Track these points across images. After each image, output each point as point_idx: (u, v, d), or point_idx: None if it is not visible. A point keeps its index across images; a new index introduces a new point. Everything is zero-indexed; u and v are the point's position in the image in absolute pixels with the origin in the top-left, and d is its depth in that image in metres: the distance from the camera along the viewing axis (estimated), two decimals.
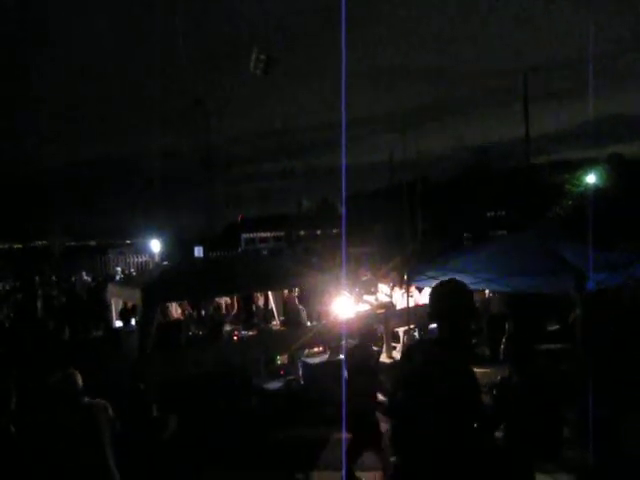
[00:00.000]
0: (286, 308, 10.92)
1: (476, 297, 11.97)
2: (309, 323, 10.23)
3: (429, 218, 32.16)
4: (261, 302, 12.42)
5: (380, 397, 6.15)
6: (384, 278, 13.60)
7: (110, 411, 4.46)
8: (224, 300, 11.93)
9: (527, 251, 8.59)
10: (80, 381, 4.37)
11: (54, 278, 21.65)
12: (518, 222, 25.56)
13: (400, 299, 11.47)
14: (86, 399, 4.40)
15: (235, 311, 11.78)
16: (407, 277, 10.53)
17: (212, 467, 6.93)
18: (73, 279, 20.39)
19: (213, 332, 9.74)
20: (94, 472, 4.23)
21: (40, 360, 8.04)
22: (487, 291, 11.26)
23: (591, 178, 31.06)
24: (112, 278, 19.38)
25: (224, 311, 11.58)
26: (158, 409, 7.34)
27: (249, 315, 11.95)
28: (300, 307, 10.52)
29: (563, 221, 29.83)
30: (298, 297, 11.61)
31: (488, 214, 39.61)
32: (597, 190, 30.22)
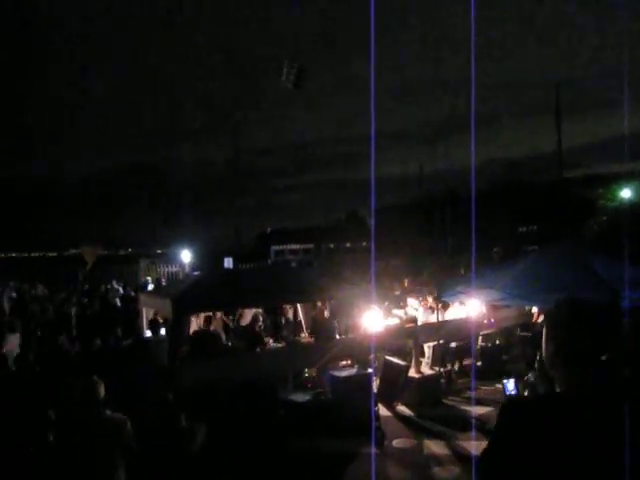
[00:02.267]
0: (316, 321, 10.90)
1: (510, 313, 11.87)
2: (338, 336, 10.21)
3: (458, 232, 31.90)
4: (290, 314, 12.44)
5: None
6: (414, 292, 13.53)
7: (129, 427, 4.36)
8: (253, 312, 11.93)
9: (559, 266, 8.47)
10: (102, 391, 4.31)
11: (86, 286, 21.97)
12: (550, 237, 25.20)
13: (429, 314, 11.38)
14: (107, 412, 4.32)
15: (261, 324, 11.78)
16: (437, 292, 10.47)
17: (238, 478, 6.94)
18: (104, 288, 20.64)
19: (253, 344, 9.79)
20: None
21: (67, 369, 8.14)
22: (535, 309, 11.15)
23: (626, 193, 30.51)
24: (143, 287, 19.61)
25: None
26: (186, 419, 7.38)
27: (277, 327, 11.97)
28: (331, 320, 10.50)
29: (597, 237, 29.32)
30: (327, 310, 11.60)
31: (520, 229, 39.17)
32: (632, 205, 29.64)
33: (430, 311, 11.29)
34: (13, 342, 9.73)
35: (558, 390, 2.00)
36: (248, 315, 11.37)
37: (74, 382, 4.36)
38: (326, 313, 11.09)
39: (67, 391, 4.36)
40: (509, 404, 2.02)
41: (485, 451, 2.00)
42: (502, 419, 1.96)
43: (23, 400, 5.74)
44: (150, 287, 19.76)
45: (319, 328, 10.46)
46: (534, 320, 11.46)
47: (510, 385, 7.98)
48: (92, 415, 4.21)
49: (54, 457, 4.18)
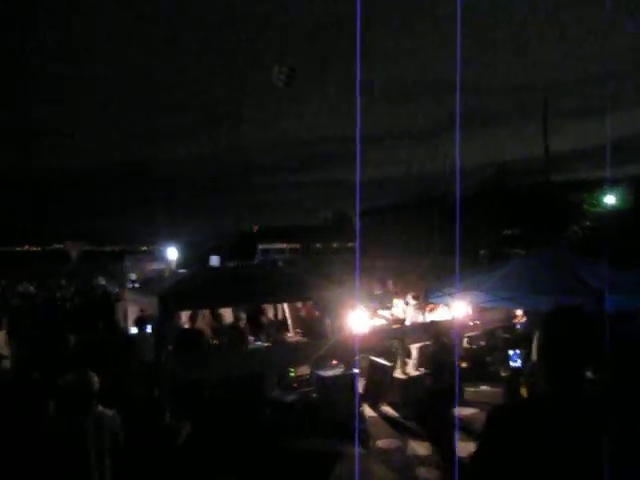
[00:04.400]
0: (307, 320, 10.90)
1: (494, 315, 11.98)
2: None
3: (445, 234, 32.03)
4: (271, 314, 12.39)
5: None
6: (400, 293, 13.58)
7: (118, 422, 4.32)
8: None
9: (544, 270, 8.56)
10: (96, 384, 4.23)
11: (63, 282, 21.84)
12: (535, 240, 25.43)
13: (415, 314, 11.43)
14: (99, 407, 4.27)
15: (245, 322, 11.71)
16: (424, 293, 10.53)
17: (223, 476, 6.94)
18: (90, 284, 20.55)
19: (236, 341, 9.77)
20: None
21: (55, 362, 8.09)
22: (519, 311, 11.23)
23: (610, 199, 30.83)
24: (130, 284, 19.52)
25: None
26: (171, 415, 7.38)
27: (259, 327, 11.91)
28: (322, 319, 10.52)
29: (581, 241, 29.62)
30: (314, 309, 11.61)
31: (505, 232, 39.42)
32: (616, 211, 29.98)
33: (417, 312, 11.34)
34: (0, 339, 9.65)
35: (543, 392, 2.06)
36: (231, 313, 11.33)
37: (68, 375, 4.29)
38: (316, 313, 11.10)
39: (60, 385, 4.30)
40: (495, 411, 2.11)
41: (474, 455, 2.08)
42: (488, 425, 2.06)
43: (19, 396, 5.71)
44: (133, 284, 19.68)
45: (310, 327, 10.47)
46: (516, 320, 11.55)
47: (517, 359, 8.14)
48: (83, 408, 4.17)
49: (49, 451, 4.14)
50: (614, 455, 1.80)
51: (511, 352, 8.24)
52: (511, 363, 8.25)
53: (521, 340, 10.00)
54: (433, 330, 7.80)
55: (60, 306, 15.25)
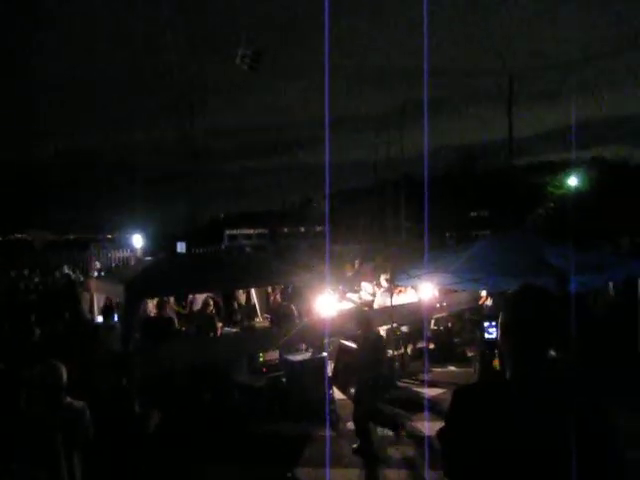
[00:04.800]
0: (274, 305, 10.88)
1: (461, 297, 12.12)
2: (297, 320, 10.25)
3: (412, 217, 32.29)
4: (243, 299, 12.39)
5: None
6: (367, 276, 13.64)
7: (87, 414, 4.27)
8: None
9: (509, 252, 8.69)
10: (64, 375, 4.18)
11: (33, 273, 21.41)
12: (501, 222, 25.81)
13: (383, 298, 11.50)
14: (67, 399, 4.21)
15: (212, 308, 11.68)
16: (391, 276, 10.59)
17: (194, 462, 6.94)
18: (55, 273, 20.18)
19: (205, 328, 9.72)
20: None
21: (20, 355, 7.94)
22: (484, 292, 11.36)
23: (572, 180, 31.42)
24: (95, 272, 19.26)
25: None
26: (140, 404, 7.31)
27: (230, 312, 11.91)
28: (289, 304, 10.52)
29: (545, 222, 30.16)
30: (282, 294, 11.61)
31: (471, 214, 39.93)
32: (578, 192, 30.56)
33: (385, 295, 11.42)
34: None
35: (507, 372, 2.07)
36: (200, 300, 11.28)
37: (35, 367, 4.22)
38: (279, 297, 11.11)
39: (28, 377, 4.22)
40: (459, 391, 2.11)
41: (440, 431, 2.10)
42: (452, 404, 2.07)
43: None
44: (98, 273, 19.44)
45: (277, 312, 10.47)
46: (481, 302, 11.72)
47: (492, 330, 8.23)
48: (53, 401, 4.10)
49: (18, 444, 4.07)
50: (580, 435, 1.81)
51: (486, 323, 8.33)
52: (485, 335, 8.34)
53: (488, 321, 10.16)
54: (364, 320, 7.70)
55: (24, 296, 14.93)
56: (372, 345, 7.41)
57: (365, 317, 7.93)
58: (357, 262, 16.72)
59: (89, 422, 4.27)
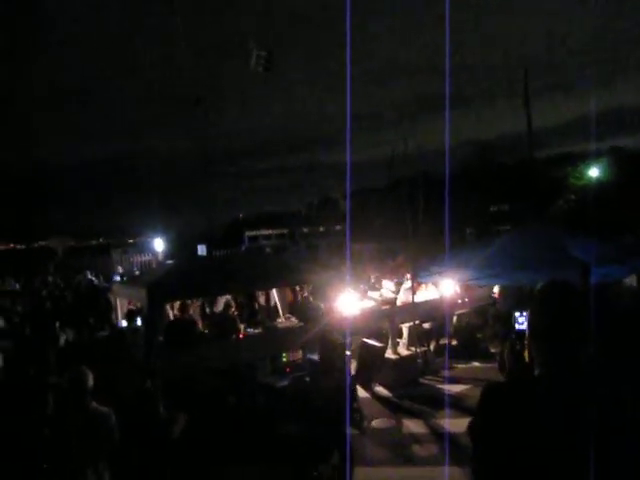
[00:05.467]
0: (300, 304, 10.88)
1: (483, 292, 12.04)
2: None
3: (431, 214, 32.10)
4: (263, 300, 12.42)
5: None
6: (390, 274, 13.63)
7: (113, 420, 4.33)
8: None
9: (531, 245, 8.60)
10: (91, 381, 4.25)
11: (57, 280, 21.66)
12: (521, 216, 25.55)
13: (405, 295, 11.47)
14: (93, 404, 4.28)
15: (235, 309, 11.72)
16: (413, 273, 10.55)
17: (219, 464, 6.96)
18: (77, 279, 20.41)
19: (228, 330, 9.76)
20: None
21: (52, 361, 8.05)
22: (496, 287, 11.26)
23: (593, 171, 31.04)
24: (117, 278, 19.44)
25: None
26: (165, 407, 7.37)
27: (252, 313, 11.94)
28: (316, 302, 10.53)
29: (567, 214, 29.82)
30: (311, 293, 11.64)
31: (491, 209, 39.57)
32: (599, 183, 30.18)
33: (407, 292, 11.39)
34: None
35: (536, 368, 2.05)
36: (221, 302, 11.34)
37: (61, 373, 4.31)
38: (309, 296, 11.13)
39: (56, 384, 4.31)
40: (489, 387, 2.07)
41: (469, 427, 2.06)
42: (481, 401, 2.03)
43: (17, 397, 5.68)
44: (120, 278, 19.61)
45: (300, 312, 10.48)
46: (496, 297, 11.61)
47: (521, 319, 8.14)
48: (80, 407, 4.16)
49: (48, 451, 4.13)
50: (606, 431, 1.80)
51: (517, 314, 8.23)
52: (516, 326, 8.23)
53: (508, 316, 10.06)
54: (320, 331, 7.38)
55: (52, 303, 15.11)
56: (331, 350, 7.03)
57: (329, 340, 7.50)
58: (400, 257, 16.72)
59: (115, 427, 4.32)
